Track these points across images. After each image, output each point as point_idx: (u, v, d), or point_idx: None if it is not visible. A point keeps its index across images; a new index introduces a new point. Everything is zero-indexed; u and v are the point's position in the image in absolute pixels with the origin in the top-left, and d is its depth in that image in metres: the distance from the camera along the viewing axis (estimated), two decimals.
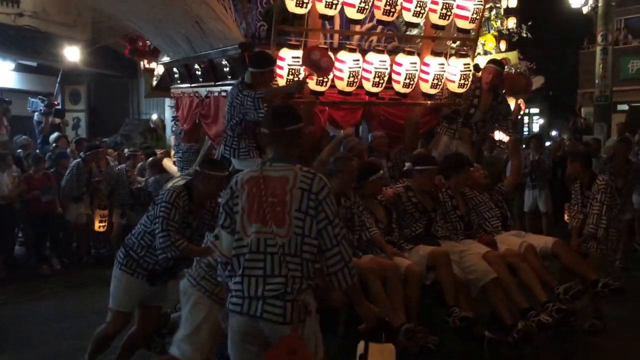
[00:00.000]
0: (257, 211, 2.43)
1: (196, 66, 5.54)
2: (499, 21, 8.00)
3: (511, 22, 8.61)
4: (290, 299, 2.33)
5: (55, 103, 9.39)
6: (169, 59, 6.59)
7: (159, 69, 7.06)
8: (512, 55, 6.63)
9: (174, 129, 7.15)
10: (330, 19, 4.72)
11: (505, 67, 5.90)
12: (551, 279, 4.11)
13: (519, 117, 7.97)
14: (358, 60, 4.69)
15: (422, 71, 4.89)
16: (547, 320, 3.74)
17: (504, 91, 5.38)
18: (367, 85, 4.75)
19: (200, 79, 5.60)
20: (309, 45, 4.54)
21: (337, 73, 4.63)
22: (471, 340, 3.86)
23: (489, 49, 6.06)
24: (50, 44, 11.14)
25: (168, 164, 7.37)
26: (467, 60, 5.09)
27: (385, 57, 4.71)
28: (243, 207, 2.46)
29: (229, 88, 4.79)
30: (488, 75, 5.18)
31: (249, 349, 2.41)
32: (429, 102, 5.12)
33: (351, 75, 4.67)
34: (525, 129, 19.28)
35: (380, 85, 4.74)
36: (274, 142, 2.55)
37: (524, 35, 7.88)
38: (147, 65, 7.73)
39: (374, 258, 3.83)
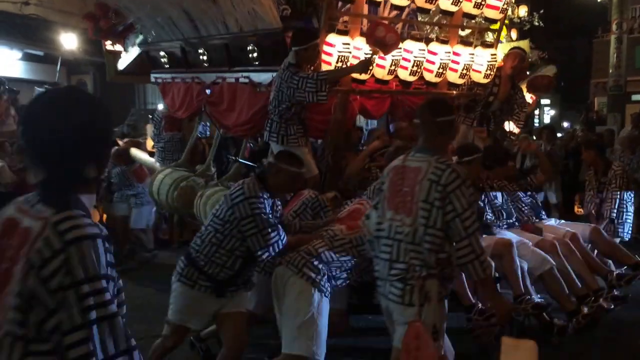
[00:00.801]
0: (393, 199, 2.64)
1: (200, 50, 5.45)
2: (510, 9, 7.87)
3: (522, 11, 8.46)
4: (410, 283, 2.53)
5: None
6: (140, 40, 6.43)
7: (133, 52, 6.78)
8: (524, 44, 6.54)
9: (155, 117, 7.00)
10: (378, 4, 4.77)
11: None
12: (600, 266, 4.22)
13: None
14: (424, 50, 4.85)
15: (452, 61, 4.94)
16: (608, 306, 3.90)
17: (524, 86, 5.26)
18: (403, 74, 4.77)
19: (206, 64, 5.47)
20: (372, 22, 4.51)
21: (379, 62, 4.62)
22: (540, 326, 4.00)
23: (500, 38, 5.93)
24: (56, 33, 11.18)
25: (138, 153, 7.24)
26: (493, 50, 5.18)
27: (424, 45, 4.78)
28: (385, 193, 2.69)
29: (253, 74, 4.90)
30: (514, 60, 5.25)
31: (390, 328, 2.68)
32: (454, 92, 5.14)
33: (415, 64, 4.78)
34: (536, 120, 19.09)
35: (416, 74, 4.77)
36: (422, 132, 2.70)
37: (536, 23, 7.76)
38: (110, 47, 7.38)
39: None
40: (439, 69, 4.82)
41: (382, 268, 2.66)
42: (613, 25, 10.83)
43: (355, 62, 4.39)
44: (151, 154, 7.31)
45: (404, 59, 4.66)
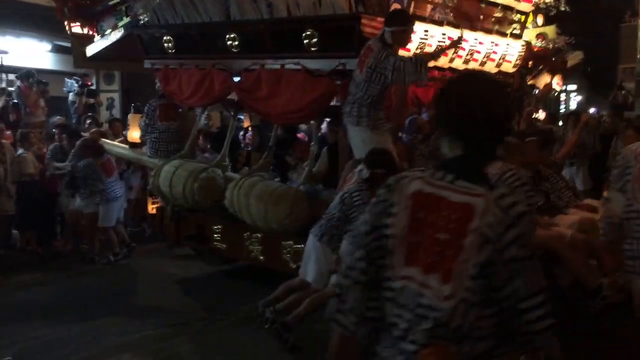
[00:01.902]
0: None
1: (230, 35, 5.39)
2: None
3: None
4: None
5: (89, 83, 9.60)
6: (125, 23, 6.19)
7: (113, 35, 6.58)
8: (550, 30, 6.56)
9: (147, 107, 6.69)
10: None
11: (543, 42, 5.86)
12: None
13: (552, 93, 7.82)
14: (477, 39, 5.10)
15: (493, 51, 5.18)
16: None
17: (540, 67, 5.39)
18: (457, 62, 5.00)
19: (235, 50, 5.41)
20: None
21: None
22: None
23: (526, 24, 5.97)
24: None
25: (109, 144, 7.15)
26: (522, 41, 5.37)
27: (479, 35, 5.01)
28: (635, 176, 2.95)
29: (309, 61, 4.93)
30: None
31: None
32: None
33: (469, 53, 4.99)
34: (562, 106, 18.89)
35: (468, 62, 4.99)
36: None
37: (562, 9, 7.74)
38: (76, 30, 7.05)
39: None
40: (483, 58, 4.98)
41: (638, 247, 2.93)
42: None
43: (429, 50, 4.63)
44: (132, 145, 7.00)
45: (461, 47, 4.89)
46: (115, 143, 7.38)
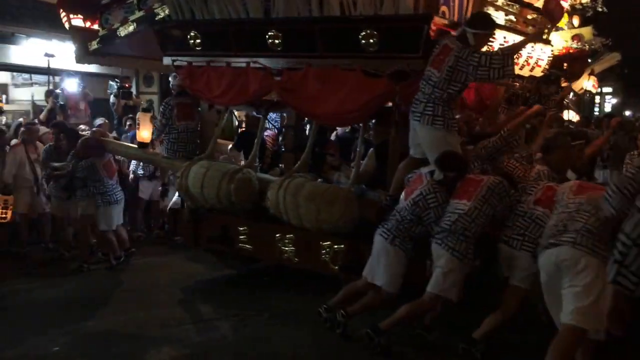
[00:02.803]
0: None
1: (274, 32, 5.43)
2: None
3: None
4: None
5: (127, 85, 9.93)
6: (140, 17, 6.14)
7: (124, 30, 6.41)
8: (586, 32, 6.73)
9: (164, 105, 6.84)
10: None
11: (579, 43, 5.97)
12: None
13: (587, 95, 7.89)
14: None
15: (529, 56, 5.51)
16: None
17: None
18: None
19: (277, 48, 5.46)
20: None
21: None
22: None
23: (561, 25, 6.06)
24: None
25: (116, 145, 7.32)
26: (551, 47, 5.85)
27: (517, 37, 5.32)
28: None
29: (364, 61, 4.98)
30: None
31: None
32: (516, 84, 5.73)
33: (525, 60, 5.57)
34: (597, 108, 18.79)
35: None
36: None
37: (599, 9, 7.80)
38: (77, 23, 6.88)
39: None
40: (524, 61, 5.44)
41: None
42: None
43: None
44: (142, 145, 7.04)
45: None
46: (124, 143, 7.52)
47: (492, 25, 4.62)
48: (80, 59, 7.12)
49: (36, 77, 12.58)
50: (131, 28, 6.39)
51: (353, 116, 5.35)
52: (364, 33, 4.95)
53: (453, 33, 4.73)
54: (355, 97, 5.12)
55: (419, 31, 4.76)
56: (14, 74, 13.08)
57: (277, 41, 5.46)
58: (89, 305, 5.59)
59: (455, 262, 4.23)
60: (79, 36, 6.98)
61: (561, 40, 5.92)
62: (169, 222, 7.91)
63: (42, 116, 9.51)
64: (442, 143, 4.58)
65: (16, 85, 13.30)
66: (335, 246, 5.46)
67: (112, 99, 10.31)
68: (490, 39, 4.70)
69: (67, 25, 7.02)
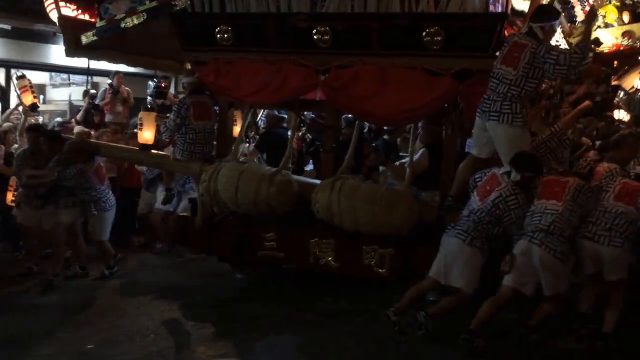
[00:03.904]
0: None
1: (321, 28, 5.29)
2: None
3: None
4: None
5: (163, 85, 9.52)
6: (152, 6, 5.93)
7: (131, 21, 5.95)
8: (637, 28, 6.64)
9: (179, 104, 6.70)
10: None
11: (630, 40, 5.86)
12: None
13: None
14: None
15: None
16: None
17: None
18: None
19: (324, 44, 5.33)
20: None
21: None
22: None
23: (610, 21, 6.02)
24: None
25: (116, 148, 7.04)
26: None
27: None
28: None
29: (428, 59, 4.96)
30: None
31: None
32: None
33: None
34: None
35: None
36: None
37: None
38: (67, 13, 6.35)
39: None
40: None
41: None
42: None
43: None
44: (144, 147, 6.69)
45: None
46: (122, 145, 7.26)
47: (557, 15, 4.89)
48: (70, 53, 6.71)
49: (74, 77, 13.20)
50: (140, 19, 6.03)
51: (412, 116, 5.48)
52: (428, 31, 5.00)
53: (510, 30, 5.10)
54: (416, 97, 5.21)
55: (491, 30, 4.89)
56: (52, 74, 13.65)
57: (325, 37, 5.41)
58: (130, 302, 5.89)
59: (558, 264, 4.58)
60: (70, 27, 6.53)
61: (611, 37, 5.83)
62: (176, 230, 7.67)
63: (78, 116, 9.89)
64: (518, 141, 4.82)
65: (54, 86, 13.87)
66: (382, 250, 5.56)
67: (149, 99, 10.41)
68: (556, 29, 5.12)
69: (54, 15, 6.62)
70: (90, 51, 6.60)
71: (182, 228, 6.97)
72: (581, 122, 5.95)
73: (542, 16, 4.71)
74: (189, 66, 7.42)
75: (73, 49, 6.41)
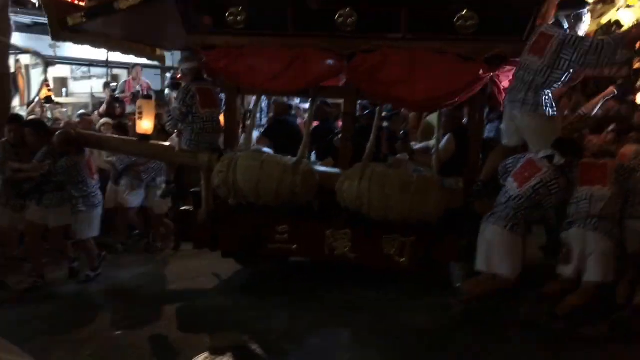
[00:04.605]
0: None
1: (346, 11, 5.17)
2: None
3: None
4: None
5: (178, 77, 9.13)
6: None
7: (125, 3, 5.64)
8: None
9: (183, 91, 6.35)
10: None
11: None
12: None
13: None
14: None
15: None
16: None
17: None
18: None
19: (349, 27, 5.20)
20: None
21: None
22: None
23: (632, 2, 5.85)
24: None
25: (115, 140, 6.79)
26: None
27: None
28: None
29: (460, 44, 4.94)
30: None
31: None
32: None
33: None
34: None
35: None
36: None
37: None
38: None
39: None
40: None
41: None
42: None
43: None
44: (143, 137, 6.34)
45: None
46: (118, 136, 6.82)
47: (583, 4, 4.98)
48: (56, 36, 6.33)
49: (94, 70, 13.56)
50: (136, 0, 5.72)
51: (443, 102, 5.41)
52: (461, 15, 4.98)
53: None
54: (447, 82, 5.17)
55: (527, 14, 4.88)
56: (73, 67, 13.91)
57: (350, 20, 5.27)
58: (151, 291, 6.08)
59: (612, 247, 4.72)
60: (54, 8, 6.15)
61: (633, 17, 5.76)
62: (177, 225, 7.27)
63: (101, 109, 9.89)
64: (545, 129, 4.87)
65: (75, 79, 14.07)
66: (403, 239, 5.54)
67: (167, 90, 10.40)
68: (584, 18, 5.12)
69: None
70: (77, 34, 6.20)
71: (183, 223, 6.55)
72: (602, 105, 6.02)
73: (569, 5, 4.84)
74: (158, 52, 7.56)
75: (59, 32, 6.05)
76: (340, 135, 6.22)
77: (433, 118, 6.52)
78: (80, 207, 6.17)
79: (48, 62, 10.94)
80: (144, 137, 6.30)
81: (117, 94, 10.50)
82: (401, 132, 6.61)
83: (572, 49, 4.61)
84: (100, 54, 10.65)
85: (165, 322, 5.35)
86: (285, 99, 6.90)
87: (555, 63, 4.68)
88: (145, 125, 6.33)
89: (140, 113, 6.30)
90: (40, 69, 11.00)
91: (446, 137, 5.90)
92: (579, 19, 4.87)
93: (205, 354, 4.63)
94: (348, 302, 5.74)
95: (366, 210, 5.46)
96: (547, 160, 4.92)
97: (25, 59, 11.44)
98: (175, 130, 6.29)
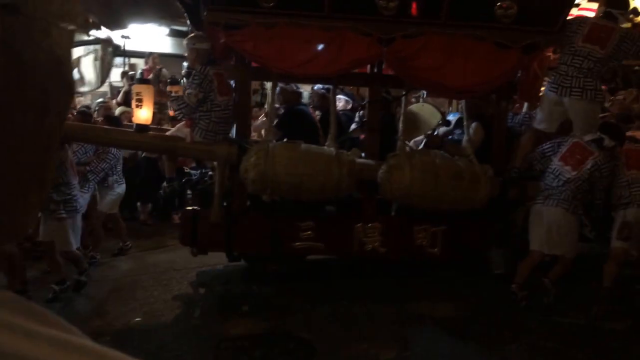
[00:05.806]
0: None
1: None
2: None
3: None
4: None
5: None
6: None
7: None
8: None
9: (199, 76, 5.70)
10: None
11: None
12: None
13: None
14: None
15: None
16: None
17: None
18: None
19: (389, 12, 5.07)
20: None
21: None
22: None
23: None
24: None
25: (115, 132, 6.49)
26: None
27: None
28: None
29: (499, 32, 5.09)
30: None
31: None
32: None
33: None
34: None
35: None
36: None
37: None
38: None
39: None
40: None
41: None
42: None
43: None
44: (141, 129, 5.66)
45: None
46: (114, 128, 6.06)
47: (629, 4, 5.65)
48: None
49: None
50: None
51: (482, 88, 5.55)
52: (501, 3, 5.16)
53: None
54: (485, 70, 5.31)
55: (561, 8, 5.21)
56: None
57: (391, 4, 5.19)
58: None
59: None
60: None
61: None
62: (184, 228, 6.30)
63: (119, 98, 10.33)
64: (596, 115, 5.33)
65: None
66: (434, 228, 5.67)
67: (183, 80, 9.26)
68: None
69: None
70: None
71: (190, 224, 5.69)
72: (621, 93, 6.60)
73: (622, 3, 5.31)
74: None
75: None
76: (355, 127, 6.19)
77: (418, 107, 6.68)
78: (61, 213, 5.29)
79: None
80: (142, 128, 5.52)
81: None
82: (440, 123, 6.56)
83: (631, 42, 5.11)
84: (118, 42, 10.40)
85: (184, 309, 5.35)
86: (294, 87, 6.34)
87: (614, 54, 5.17)
88: (144, 114, 5.55)
89: (140, 100, 5.53)
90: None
91: (473, 125, 5.95)
92: (625, 16, 5.33)
93: (223, 341, 4.63)
94: (367, 292, 5.69)
95: (417, 201, 5.39)
96: (593, 143, 5.23)
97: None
98: (184, 119, 5.64)
